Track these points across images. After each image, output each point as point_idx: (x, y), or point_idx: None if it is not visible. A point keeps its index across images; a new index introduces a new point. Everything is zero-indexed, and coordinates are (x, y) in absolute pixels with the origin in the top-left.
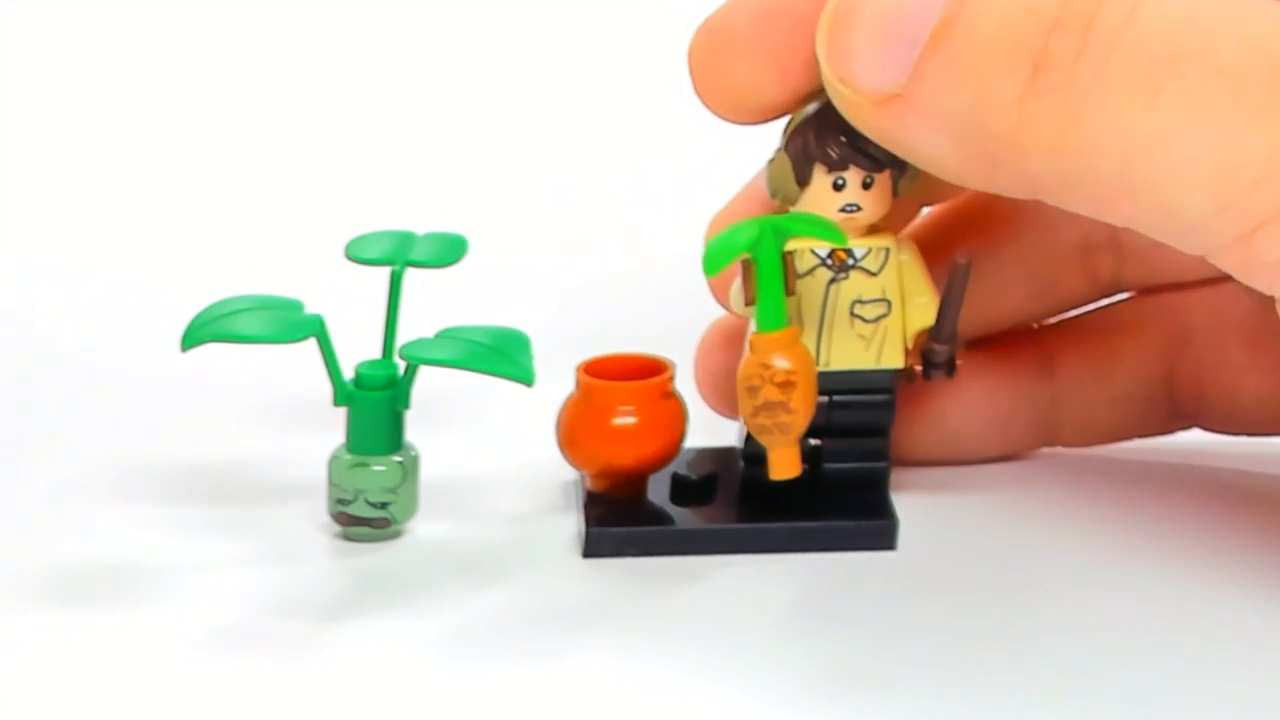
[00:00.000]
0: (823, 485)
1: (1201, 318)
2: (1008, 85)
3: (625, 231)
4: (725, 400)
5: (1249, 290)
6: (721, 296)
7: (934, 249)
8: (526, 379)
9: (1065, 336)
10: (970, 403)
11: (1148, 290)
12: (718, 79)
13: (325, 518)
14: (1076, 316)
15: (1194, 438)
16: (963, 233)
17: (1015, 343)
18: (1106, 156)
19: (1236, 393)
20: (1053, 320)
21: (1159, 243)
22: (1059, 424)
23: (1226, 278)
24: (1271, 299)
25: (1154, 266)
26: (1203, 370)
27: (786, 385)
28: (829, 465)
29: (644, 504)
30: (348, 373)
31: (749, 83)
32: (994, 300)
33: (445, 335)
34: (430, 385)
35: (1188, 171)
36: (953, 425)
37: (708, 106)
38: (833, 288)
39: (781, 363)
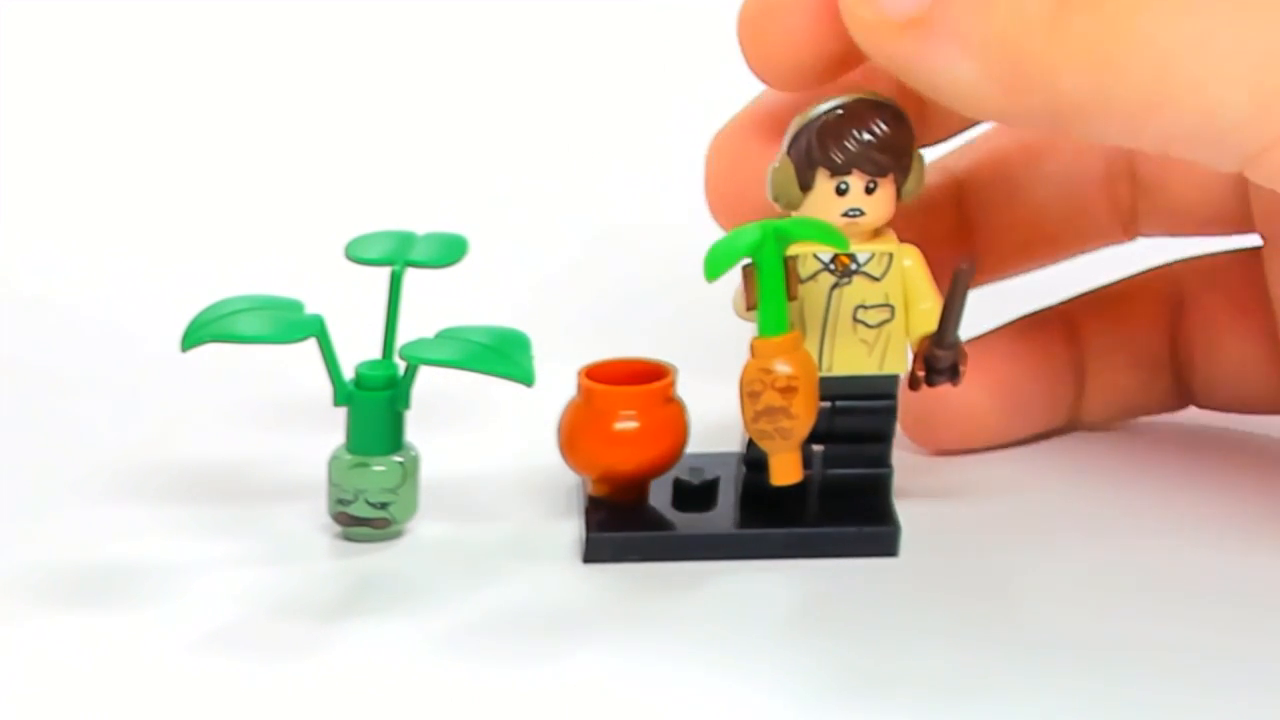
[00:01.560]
0: (824, 491)
1: (1195, 284)
2: (1041, 2)
3: (626, 233)
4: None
5: (1241, 258)
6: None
7: (978, 163)
8: (526, 379)
9: (1084, 305)
10: (1001, 379)
11: (1158, 229)
12: (767, 40)
13: (325, 518)
14: (1093, 290)
15: (1204, 437)
16: (1006, 148)
17: (1040, 317)
18: (1143, 65)
19: (1219, 358)
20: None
21: (1171, 177)
22: (1085, 393)
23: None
24: (1260, 267)
25: (1165, 201)
26: (1193, 334)
27: (788, 390)
28: (831, 471)
29: (645, 509)
30: (348, 373)
31: (796, 43)
32: (1031, 217)
33: (445, 335)
34: (430, 385)
35: (1227, 71)
36: (981, 406)
37: (754, 69)
38: (835, 293)
39: (783, 368)
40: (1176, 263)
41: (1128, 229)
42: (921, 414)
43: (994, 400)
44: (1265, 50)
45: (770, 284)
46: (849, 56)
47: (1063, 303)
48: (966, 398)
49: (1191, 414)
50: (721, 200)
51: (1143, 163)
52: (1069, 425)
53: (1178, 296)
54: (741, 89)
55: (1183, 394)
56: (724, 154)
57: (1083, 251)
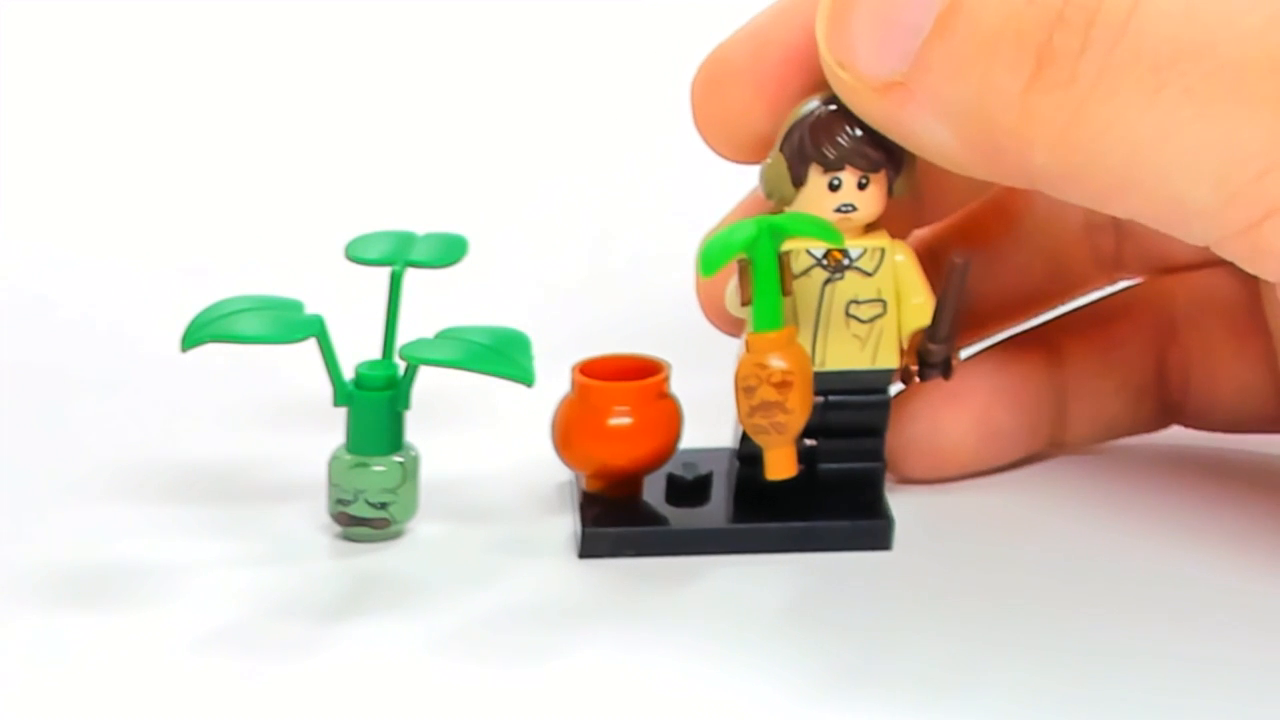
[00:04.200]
0: (818, 485)
1: (1190, 306)
2: (1012, 79)
3: (624, 232)
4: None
5: (1238, 279)
6: (707, 307)
7: (954, 231)
8: (526, 379)
9: (1069, 328)
10: (979, 413)
11: (1145, 271)
12: (715, 110)
13: (325, 518)
14: (1078, 308)
15: (1191, 441)
16: (982, 214)
17: (1022, 341)
18: (1111, 152)
19: (1217, 382)
20: (1055, 315)
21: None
22: (1067, 419)
23: (1218, 264)
24: (1258, 289)
25: (1150, 246)
26: (1188, 358)
27: (783, 385)
28: (824, 465)
29: (639, 504)
30: (348, 373)
31: (742, 114)
32: (1013, 279)
33: (445, 335)
34: (430, 385)
35: (1193, 166)
36: (958, 440)
37: (705, 138)
38: (828, 288)
39: (778, 362)
40: (1167, 278)
41: (1111, 274)
42: (895, 447)
43: (972, 434)
44: (1228, 146)
45: (765, 279)
46: None
47: (1045, 323)
48: (943, 431)
49: None
50: (711, 302)
51: None
52: (1049, 449)
53: (1169, 318)
54: None
55: (1169, 415)
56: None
57: (1066, 301)
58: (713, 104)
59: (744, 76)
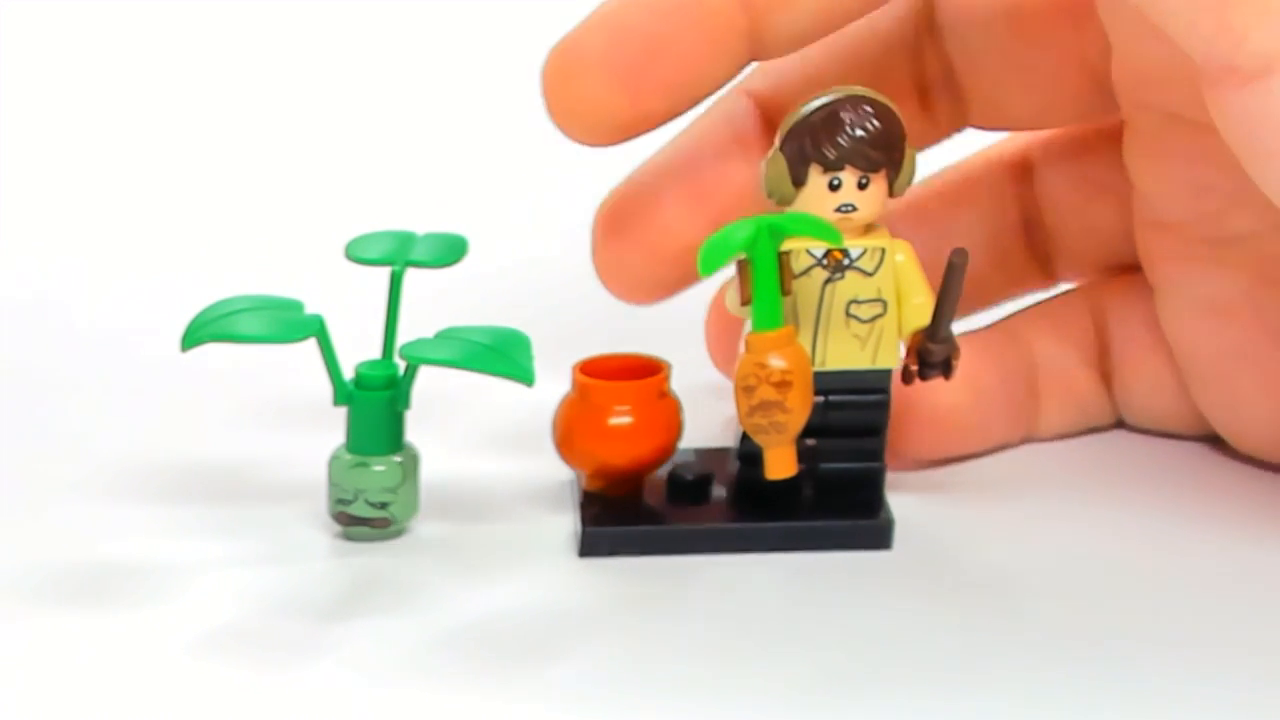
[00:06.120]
0: (818, 485)
1: (1118, 300)
2: None
3: None
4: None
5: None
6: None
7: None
8: (526, 379)
9: (1025, 314)
10: (971, 377)
11: (1077, 270)
12: (572, 101)
13: (325, 518)
14: (1035, 304)
15: (1190, 441)
16: (926, 200)
17: (986, 327)
18: None
19: (1139, 374)
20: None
21: (1068, 226)
22: (1039, 392)
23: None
24: None
25: (1068, 244)
26: (1111, 347)
27: (783, 385)
28: (824, 465)
29: (639, 503)
30: (348, 373)
31: (602, 104)
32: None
33: (445, 335)
34: (430, 385)
35: None
36: (951, 396)
37: (560, 128)
38: (828, 288)
39: (778, 362)
40: (1101, 279)
41: (1048, 274)
42: (896, 429)
43: (966, 395)
44: None
45: (764, 279)
46: (653, 116)
47: (1005, 316)
48: (939, 395)
49: None
50: (720, 352)
51: (1048, 210)
52: (1030, 428)
53: (1103, 312)
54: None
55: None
56: (718, 316)
57: (1011, 298)
58: (569, 95)
59: (602, 66)
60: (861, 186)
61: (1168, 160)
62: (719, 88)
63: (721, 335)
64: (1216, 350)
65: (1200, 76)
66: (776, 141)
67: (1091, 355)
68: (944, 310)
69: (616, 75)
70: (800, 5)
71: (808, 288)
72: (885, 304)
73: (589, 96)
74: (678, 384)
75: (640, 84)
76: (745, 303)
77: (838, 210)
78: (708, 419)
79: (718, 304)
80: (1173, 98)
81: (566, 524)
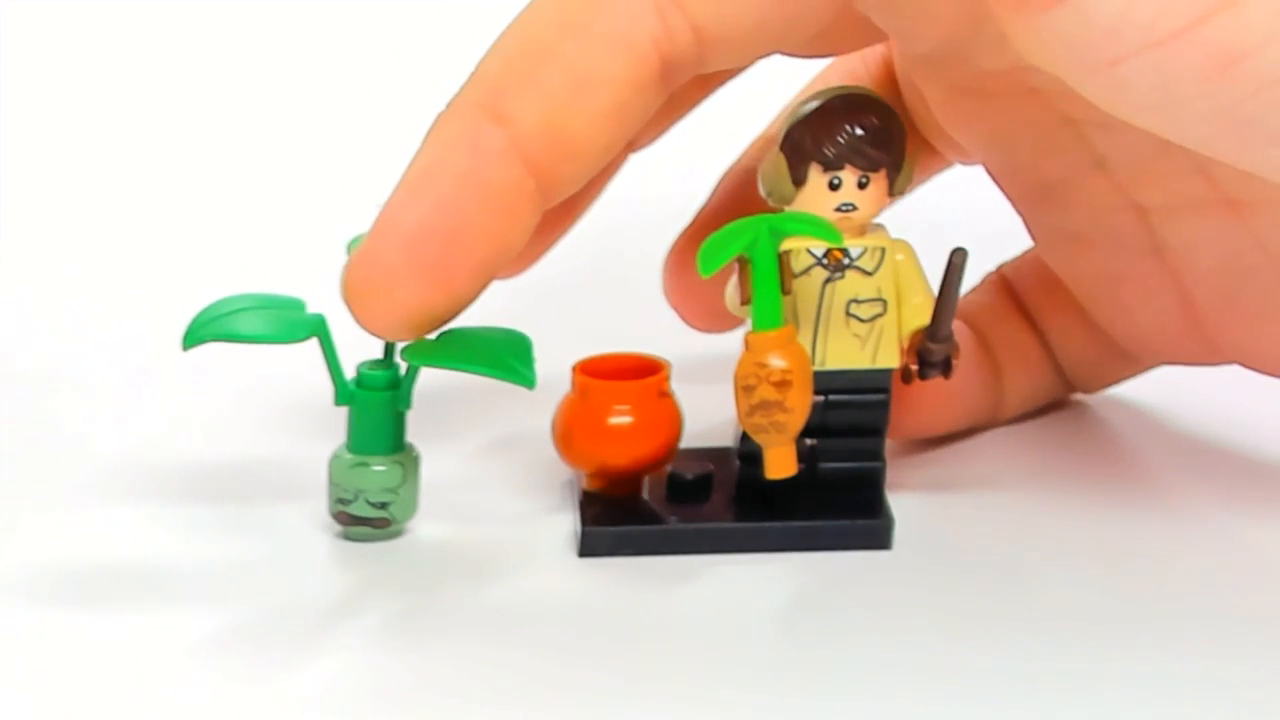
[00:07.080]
0: (818, 485)
1: (1022, 276)
2: None
3: (625, 231)
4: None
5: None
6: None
7: None
8: (527, 383)
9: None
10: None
11: None
12: (385, 311)
13: (325, 518)
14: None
15: (1190, 440)
16: None
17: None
18: None
19: (1067, 343)
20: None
21: None
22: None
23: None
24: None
25: None
26: (1046, 315)
27: (783, 384)
28: (824, 465)
29: (639, 503)
30: (349, 373)
31: (416, 305)
32: None
33: (446, 336)
34: (430, 385)
35: None
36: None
37: (377, 335)
38: (828, 287)
39: (778, 361)
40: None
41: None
42: (897, 406)
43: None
44: None
45: (764, 278)
46: (468, 300)
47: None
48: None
49: (1173, 400)
50: (678, 298)
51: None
52: (999, 406)
53: (1015, 292)
54: (736, 89)
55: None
56: (675, 266)
57: None
58: (381, 306)
59: (407, 272)
60: (861, 186)
61: (969, 124)
62: (525, 243)
63: (676, 270)
64: (1087, 273)
65: (998, 6)
66: (776, 141)
67: (1025, 323)
68: (944, 310)
69: (424, 275)
70: (583, 154)
71: (808, 287)
72: (885, 303)
73: (401, 303)
74: (677, 384)
75: (449, 276)
76: (745, 302)
77: (838, 209)
78: (708, 419)
79: (678, 249)
80: (954, 73)
81: (566, 524)
